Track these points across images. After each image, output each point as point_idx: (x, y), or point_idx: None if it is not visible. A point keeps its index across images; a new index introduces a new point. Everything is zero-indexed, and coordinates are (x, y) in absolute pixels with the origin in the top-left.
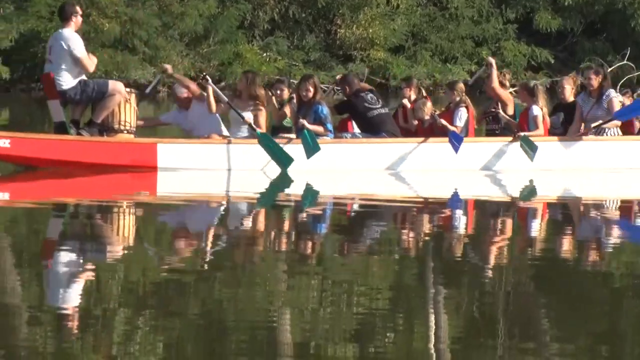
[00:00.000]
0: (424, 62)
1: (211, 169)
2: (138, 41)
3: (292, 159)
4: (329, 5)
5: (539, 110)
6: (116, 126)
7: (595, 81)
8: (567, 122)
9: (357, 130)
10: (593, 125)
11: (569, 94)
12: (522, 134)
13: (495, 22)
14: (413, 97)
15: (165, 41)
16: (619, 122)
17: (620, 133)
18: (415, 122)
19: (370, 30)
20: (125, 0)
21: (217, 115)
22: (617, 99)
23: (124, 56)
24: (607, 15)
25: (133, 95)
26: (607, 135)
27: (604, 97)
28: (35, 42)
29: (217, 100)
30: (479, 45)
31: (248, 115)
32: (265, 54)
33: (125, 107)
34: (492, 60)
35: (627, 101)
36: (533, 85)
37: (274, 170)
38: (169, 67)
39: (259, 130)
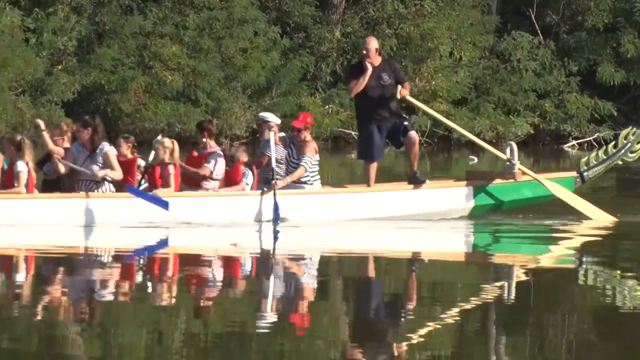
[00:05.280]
0: (487, 115)
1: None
2: (201, 93)
3: None
4: (392, 58)
5: (24, 165)
6: None
7: (84, 134)
8: None
9: None
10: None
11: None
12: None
13: (558, 75)
14: None
15: (227, 93)
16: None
17: (114, 190)
18: None
19: (433, 83)
20: (188, 53)
21: None
22: (113, 152)
23: (186, 108)
24: None
25: None
26: (99, 192)
27: (98, 151)
28: (98, 95)
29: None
30: (542, 98)
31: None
32: (327, 106)
33: None
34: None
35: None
36: (19, 140)
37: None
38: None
39: None
